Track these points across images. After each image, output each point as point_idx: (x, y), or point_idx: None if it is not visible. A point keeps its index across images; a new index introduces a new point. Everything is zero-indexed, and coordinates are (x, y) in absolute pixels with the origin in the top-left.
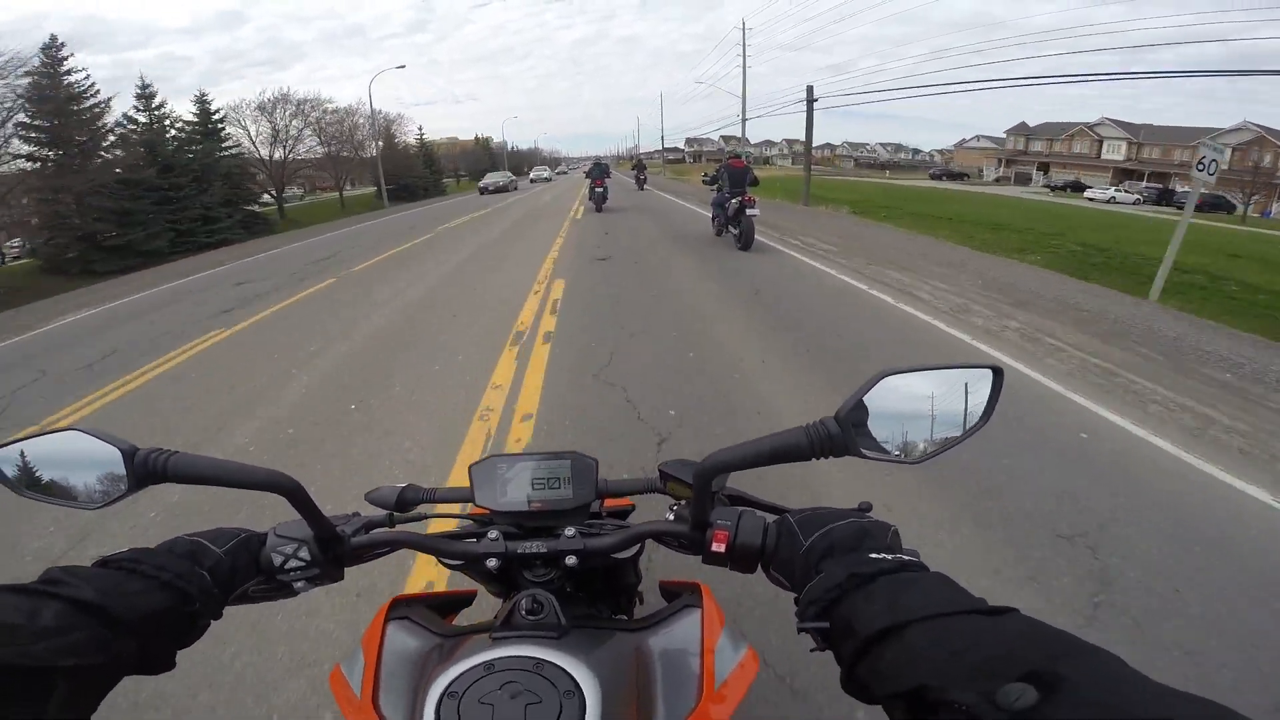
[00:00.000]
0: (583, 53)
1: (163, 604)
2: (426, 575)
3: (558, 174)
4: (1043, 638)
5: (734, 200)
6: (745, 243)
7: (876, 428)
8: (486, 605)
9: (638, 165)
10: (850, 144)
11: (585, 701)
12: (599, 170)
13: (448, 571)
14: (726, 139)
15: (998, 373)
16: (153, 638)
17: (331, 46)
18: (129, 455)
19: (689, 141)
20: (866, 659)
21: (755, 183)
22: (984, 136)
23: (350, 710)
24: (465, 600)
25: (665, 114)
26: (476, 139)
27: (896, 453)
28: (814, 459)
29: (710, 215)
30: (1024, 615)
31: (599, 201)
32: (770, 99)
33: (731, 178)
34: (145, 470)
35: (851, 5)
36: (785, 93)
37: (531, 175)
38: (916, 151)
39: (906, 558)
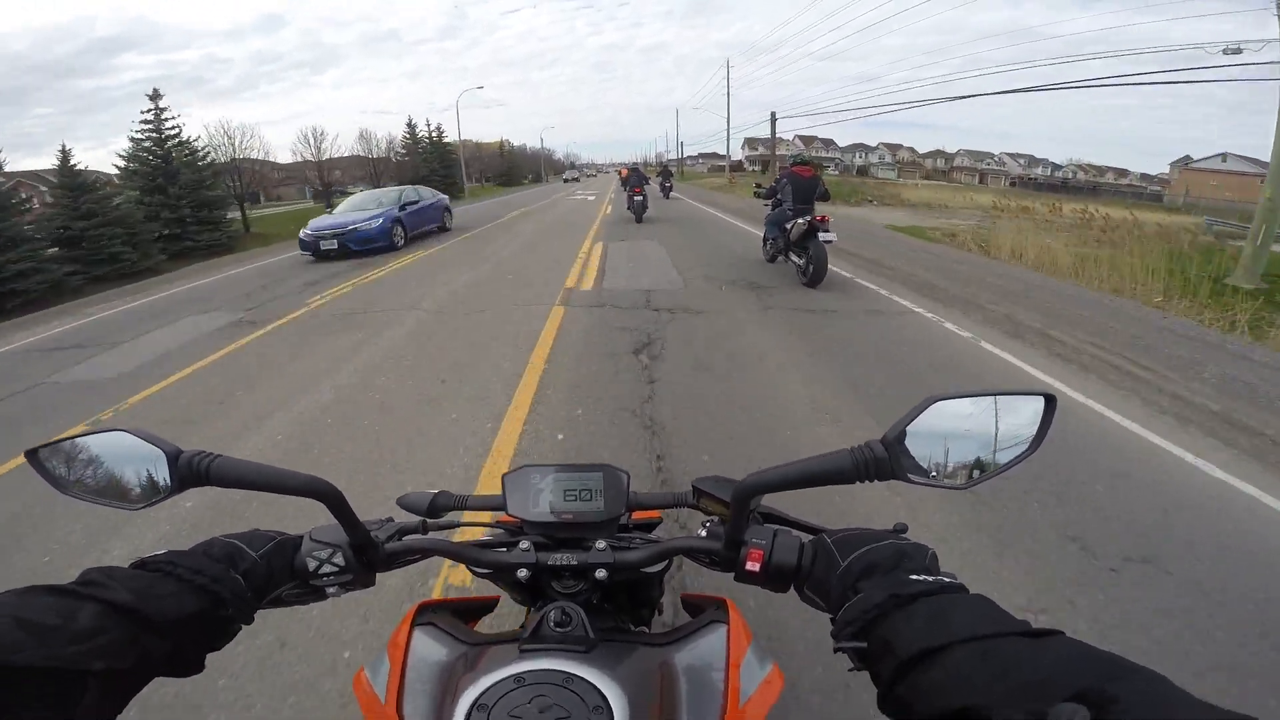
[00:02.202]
0: (611, 59)
1: (196, 607)
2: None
3: (566, 179)
4: (1090, 659)
5: (801, 220)
6: (815, 277)
7: (922, 452)
8: (509, 609)
9: (663, 172)
10: (969, 153)
11: (614, 717)
12: (636, 178)
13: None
14: (806, 140)
15: (1050, 400)
16: (184, 641)
17: (367, 50)
18: (173, 457)
19: (749, 144)
20: (907, 679)
21: (826, 197)
22: (1240, 155)
23: (374, 716)
24: (489, 606)
25: (697, 120)
26: (412, 131)
27: (943, 478)
28: (857, 481)
29: (762, 236)
30: (1070, 638)
31: (639, 211)
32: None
33: (797, 190)
34: (188, 472)
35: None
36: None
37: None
38: (1057, 167)
39: (946, 579)
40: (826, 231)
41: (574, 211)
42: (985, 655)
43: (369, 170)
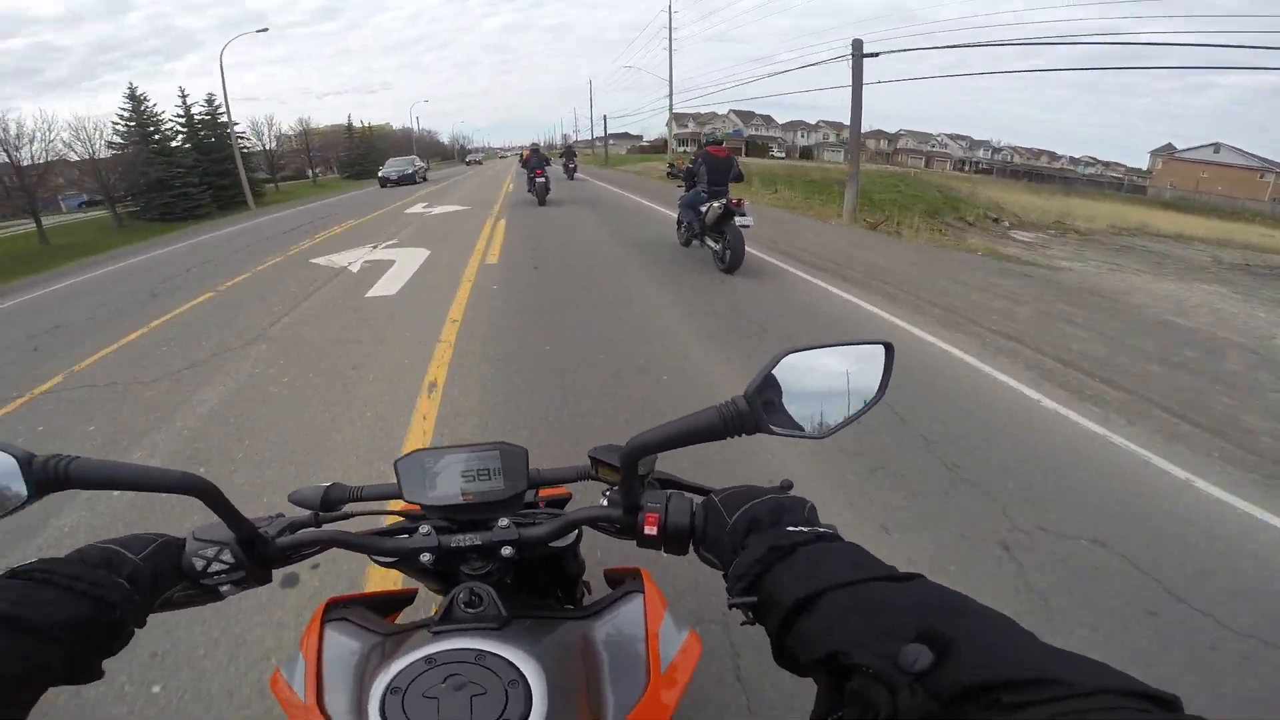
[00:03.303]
0: (509, 40)
1: (82, 613)
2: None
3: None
4: (940, 601)
5: (716, 204)
6: (732, 263)
7: (783, 404)
8: (428, 603)
9: (566, 153)
10: (911, 133)
11: (531, 690)
12: (537, 159)
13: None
14: (744, 115)
15: (889, 348)
16: (76, 647)
17: (230, 34)
18: (25, 462)
19: (677, 120)
20: (792, 629)
21: (740, 178)
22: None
23: (295, 713)
24: (406, 599)
25: (609, 100)
26: (135, 107)
27: (803, 428)
28: (727, 437)
29: (676, 219)
30: (928, 581)
31: (541, 194)
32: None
33: (711, 171)
34: (45, 477)
35: None
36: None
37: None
38: (995, 150)
39: (822, 529)
40: (743, 215)
41: None
42: (852, 601)
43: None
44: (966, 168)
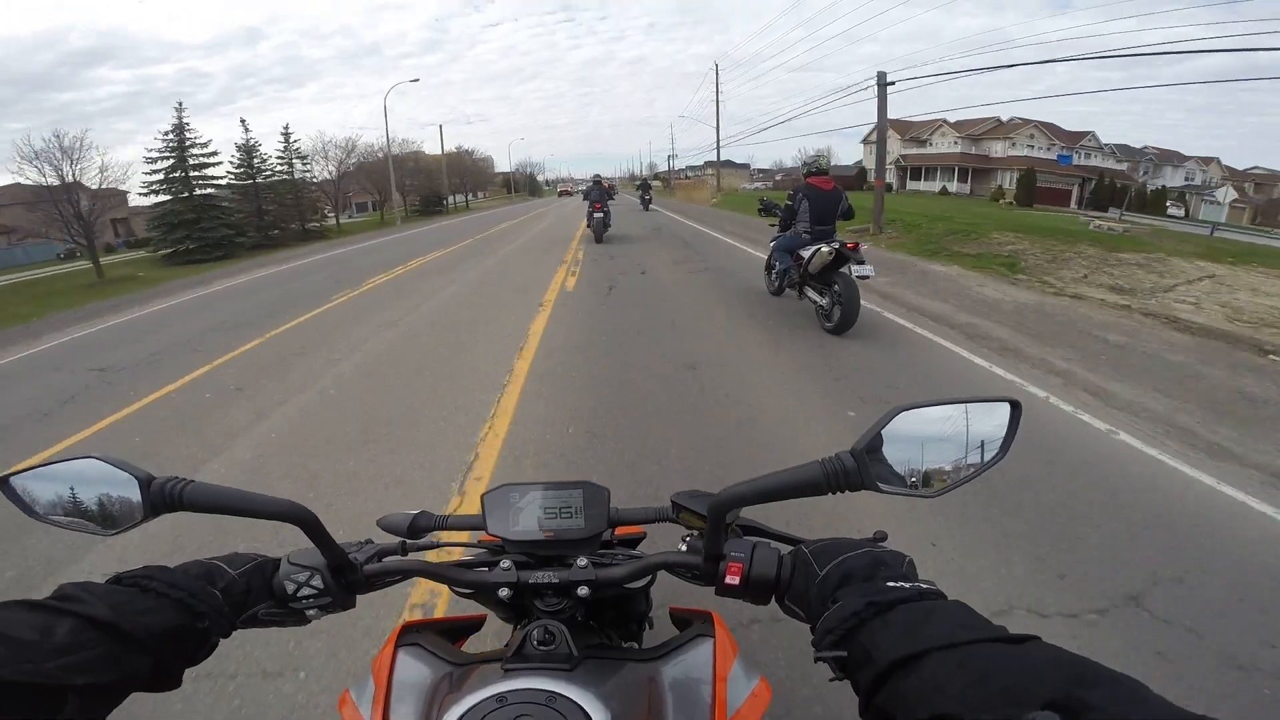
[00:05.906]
0: (591, 74)
1: (173, 622)
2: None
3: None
4: (1066, 665)
5: (825, 247)
6: (842, 322)
7: (893, 461)
8: (496, 628)
9: (642, 185)
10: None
11: None
12: (598, 193)
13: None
14: (1055, 130)
15: (1015, 406)
16: (163, 656)
17: (347, 64)
18: (144, 484)
19: (902, 132)
20: (886, 687)
21: (849, 215)
22: None
23: None
24: (475, 625)
25: (692, 130)
26: None
27: (913, 486)
28: (829, 493)
29: (765, 262)
30: (1046, 643)
31: (599, 229)
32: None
33: (815, 207)
34: (160, 498)
35: None
36: None
37: None
38: None
39: (924, 586)
40: (861, 262)
41: None
42: (962, 662)
43: None
44: None
